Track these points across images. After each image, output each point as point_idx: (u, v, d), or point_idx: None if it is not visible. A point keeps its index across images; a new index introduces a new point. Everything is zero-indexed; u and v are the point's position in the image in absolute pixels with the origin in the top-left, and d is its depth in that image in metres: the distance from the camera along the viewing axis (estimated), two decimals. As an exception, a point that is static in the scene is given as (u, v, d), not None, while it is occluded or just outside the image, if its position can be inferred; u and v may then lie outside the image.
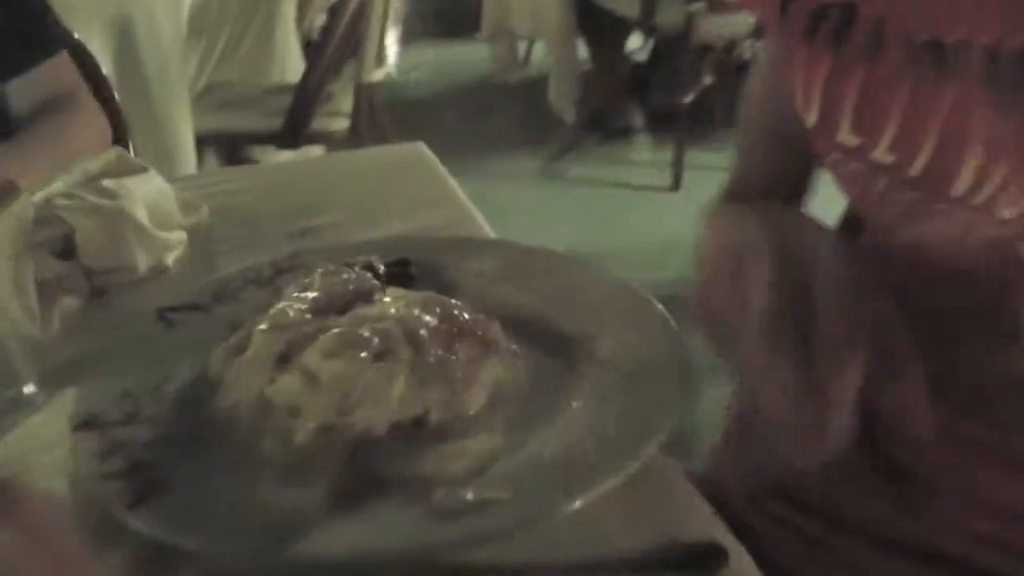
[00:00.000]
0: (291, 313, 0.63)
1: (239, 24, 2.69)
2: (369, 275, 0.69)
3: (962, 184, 0.67)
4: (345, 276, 0.68)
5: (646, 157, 4.11)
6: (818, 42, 0.75)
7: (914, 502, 0.79)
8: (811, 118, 0.77)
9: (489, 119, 4.59)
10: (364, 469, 0.56)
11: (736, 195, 0.93)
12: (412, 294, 0.67)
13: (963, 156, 0.66)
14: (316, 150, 2.65)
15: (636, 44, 4.58)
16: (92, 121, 1.30)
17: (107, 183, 0.83)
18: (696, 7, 3.44)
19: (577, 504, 0.51)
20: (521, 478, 0.54)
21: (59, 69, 1.30)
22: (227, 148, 3.04)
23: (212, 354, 0.66)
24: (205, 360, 0.66)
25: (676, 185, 3.80)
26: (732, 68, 3.64)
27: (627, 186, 3.91)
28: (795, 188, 0.93)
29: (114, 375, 0.65)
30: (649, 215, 3.62)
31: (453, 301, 0.66)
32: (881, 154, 0.73)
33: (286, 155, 2.76)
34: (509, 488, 0.53)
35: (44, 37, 1.31)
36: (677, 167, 3.79)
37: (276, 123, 2.62)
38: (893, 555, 0.79)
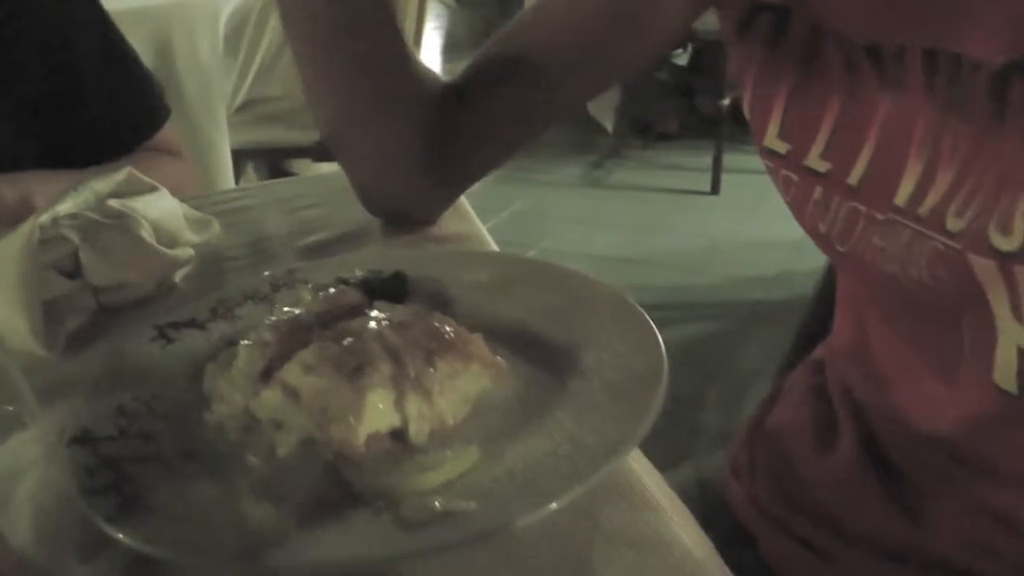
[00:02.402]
0: (276, 328, 0.65)
1: (276, 39, 2.72)
2: (356, 290, 0.70)
3: (903, 193, 0.65)
4: (332, 291, 0.69)
5: (687, 161, 4.11)
6: (749, 42, 0.74)
7: (915, 508, 0.78)
8: (747, 114, 0.76)
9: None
10: (341, 480, 0.57)
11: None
12: (398, 308, 0.68)
13: (903, 164, 0.65)
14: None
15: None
16: (174, 164, 1.32)
17: (112, 203, 0.85)
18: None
19: (539, 515, 0.51)
20: (492, 489, 0.55)
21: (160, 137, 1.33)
22: (266, 162, 3.09)
23: (205, 370, 0.68)
24: (199, 376, 0.68)
25: (715, 189, 3.79)
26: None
27: (668, 191, 3.92)
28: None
29: (108, 391, 0.66)
30: (690, 220, 3.62)
31: (438, 315, 0.67)
32: (813, 161, 0.71)
33: (324, 167, 2.79)
34: (478, 499, 0.53)
35: (152, 110, 1.35)
36: (716, 171, 3.79)
37: (313, 136, 2.65)
38: (898, 567, 0.78)
